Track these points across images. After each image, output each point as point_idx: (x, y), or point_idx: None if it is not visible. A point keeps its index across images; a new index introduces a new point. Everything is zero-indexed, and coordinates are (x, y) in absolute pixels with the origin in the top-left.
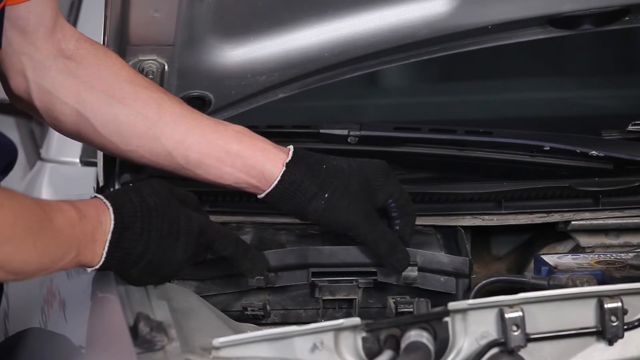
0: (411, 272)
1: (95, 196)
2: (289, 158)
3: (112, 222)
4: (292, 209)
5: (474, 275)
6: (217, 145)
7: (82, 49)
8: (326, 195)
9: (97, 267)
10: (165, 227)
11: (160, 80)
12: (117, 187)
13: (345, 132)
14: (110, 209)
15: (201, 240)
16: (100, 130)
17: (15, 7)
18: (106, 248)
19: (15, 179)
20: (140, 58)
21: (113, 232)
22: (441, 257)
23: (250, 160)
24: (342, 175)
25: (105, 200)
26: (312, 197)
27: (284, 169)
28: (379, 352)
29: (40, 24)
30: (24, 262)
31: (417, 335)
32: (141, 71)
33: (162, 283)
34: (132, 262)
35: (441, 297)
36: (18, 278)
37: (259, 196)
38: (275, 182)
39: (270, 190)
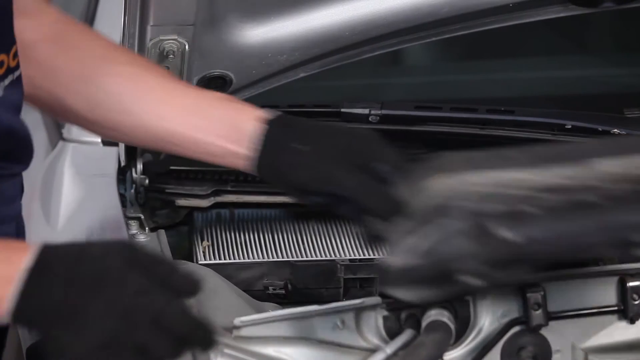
0: None
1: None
2: (270, 117)
3: (34, 258)
4: (275, 173)
5: None
6: (194, 112)
7: (63, 31)
8: (307, 149)
9: (9, 314)
10: (90, 276)
11: (181, 60)
12: (139, 166)
13: (366, 111)
14: (35, 248)
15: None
16: (80, 113)
17: None
18: (18, 287)
19: (37, 159)
20: (161, 38)
21: (31, 270)
22: None
23: (228, 122)
24: (326, 132)
25: (35, 244)
26: (292, 152)
27: (267, 126)
28: (400, 331)
29: (23, 10)
30: None
31: (438, 314)
32: (162, 51)
33: None
34: (51, 310)
35: None
36: None
37: (241, 169)
38: (258, 139)
39: (254, 154)
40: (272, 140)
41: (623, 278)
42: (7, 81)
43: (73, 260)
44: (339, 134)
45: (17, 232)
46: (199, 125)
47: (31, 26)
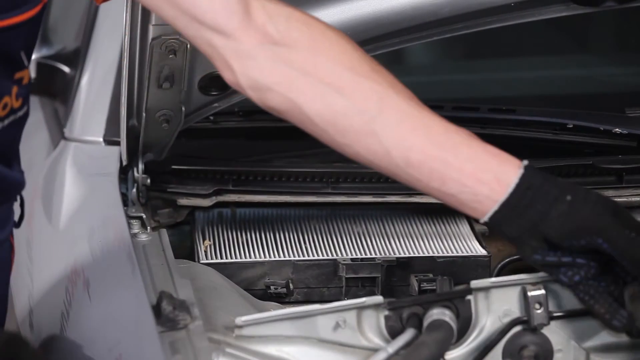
0: None
1: None
2: (526, 162)
3: None
4: (527, 223)
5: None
6: (445, 147)
7: (294, 30)
8: (568, 197)
9: None
10: None
11: (183, 59)
12: (140, 166)
13: None
14: None
15: None
16: (314, 120)
17: (196, 4)
18: None
19: (39, 158)
20: (163, 37)
21: None
22: None
23: (483, 164)
24: (577, 184)
25: None
26: (554, 200)
27: (523, 171)
28: (402, 331)
29: (230, 13)
30: None
31: (439, 314)
32: (164, 50)
33: None
34: None
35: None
36: None
37: (481, 220)
38: (513, 186)
39: (506, 199)
40: (529, 187)
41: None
42: (6, 121)
43: None
44: (583, 188)
45: None
46: (448, 162)
47: (251, 27)
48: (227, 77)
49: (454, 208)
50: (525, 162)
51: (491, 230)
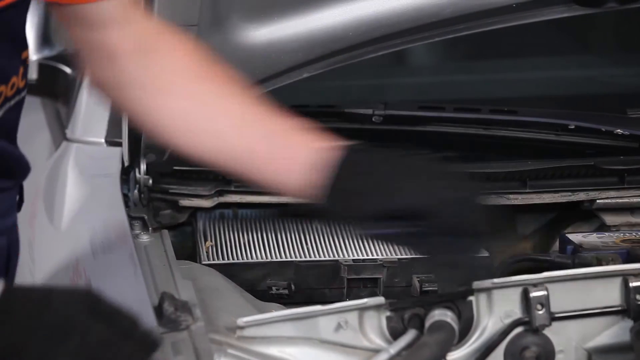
0: None
1: None
2: (351, 144)
3: None
4: (345, 198)
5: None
6: (275, 140)
7: (162, 41)
8: (388, 168)
9: None
10: (54, 324)
11: None
12: (142, 167)
13: (369, 111)
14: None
15: None
16: (159, 126)
17: (83, 7)
18: None
19: (40, 159)
20: None
21: None
22: None
23: (310, 152)
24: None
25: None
26: (374, 174)
27: (347, 152)
28: (403, 332)
29: (113, 21)
30: None
31: (441, 315)
32: None
33: None
34: (10, 354)
35: None
36: None
37: (318, 204)
38: (338, 169)
39: (331, 183)
40: (351, 164)
41: (626, 278)
42: (13, 101)
43: (36, 306)
44: (415, 157)
45: (9, 245)
46: (280, 153)
47: (121, 36)
48: (98, 78)
49: (291, 197)
50: (351, 144)
51: (326, 216)
